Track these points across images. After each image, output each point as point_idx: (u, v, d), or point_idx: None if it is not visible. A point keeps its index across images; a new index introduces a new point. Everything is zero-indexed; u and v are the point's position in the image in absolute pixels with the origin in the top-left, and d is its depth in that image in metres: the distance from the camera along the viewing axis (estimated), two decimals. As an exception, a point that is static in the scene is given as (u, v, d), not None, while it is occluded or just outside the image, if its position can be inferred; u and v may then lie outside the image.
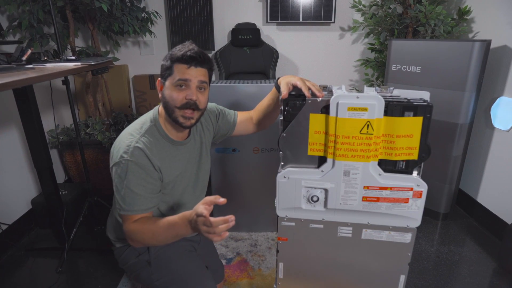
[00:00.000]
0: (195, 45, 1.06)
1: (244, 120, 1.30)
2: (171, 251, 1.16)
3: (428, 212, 2.24)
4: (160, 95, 1.08)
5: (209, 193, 1.92)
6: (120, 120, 2.55)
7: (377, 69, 2.56)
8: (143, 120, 1.09)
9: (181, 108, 1.03)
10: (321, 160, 0.94)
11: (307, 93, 0.91)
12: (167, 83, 1.04)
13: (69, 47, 2.35)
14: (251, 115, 1.31)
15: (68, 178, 2.60)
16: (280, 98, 0.96)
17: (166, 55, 1.05)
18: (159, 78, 1.08)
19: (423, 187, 0.90)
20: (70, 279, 1.74)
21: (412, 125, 0.85)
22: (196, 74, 1.03)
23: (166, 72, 1.04)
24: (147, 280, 1.15)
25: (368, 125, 0.85)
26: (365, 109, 0.84)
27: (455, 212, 2.33)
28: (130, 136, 1.04)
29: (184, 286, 1.12)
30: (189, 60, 1.01)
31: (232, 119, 1.29)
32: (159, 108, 1.11)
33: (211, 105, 1.28)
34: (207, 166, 1.26)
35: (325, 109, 0.88)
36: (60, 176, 2.54)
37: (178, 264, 1.15)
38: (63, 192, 2.16)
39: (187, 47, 1.03)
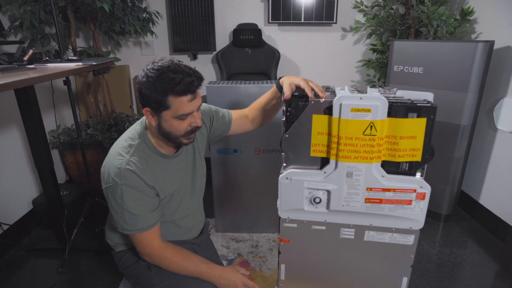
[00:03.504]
0: (179, 63, 0.94)
1: (239, 118, 1.28)
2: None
3: (430, 214, 2.23)
4: (153, 123, 0.98)
5: (209, 194, 1.93)
6: (121, 120, 2.55)
7: (379, 70, 2.55)
8: (131, 136, 1.05)
9: (186, 135, 1.01)
10: (324, 162, 0.94)
11: (310, 93, 0.91)
12: (164, 116, 0.95)
13: (70, 47, 2.35)
14: (246, 113, 1.29)
15: (69, 179, 2.60)
16: (282, 99, 0.96)
17: (149, 85, 0.91)
18: (147, 108, 0.95)
19: (427, 189, 0.90)
20: (71, 280, 1.73)
21: (416, 126, 0.85)
22: (197, 101, 0.97)
23: (159, 105, 0.93)
24: (146, 284, 1.15)
25: (371, 126, 0.85)
26: (369, 110, 0.83)
27: (457, 213, 2.32)
28: (119, 156, 1.00)
29: None
30: (192, 90, 0.93)
31: (227, 119, 1.26)
32: (146, 122, 1.06)
33: (203, 106, 1.23)
34: (203, 171, 1.24)
35: (328, 110, 0.88)
36: (61, 176, 2.53)
37: None
38: (64, 193, 2.16)
39: (180, 74, 0.90)
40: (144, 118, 1.09)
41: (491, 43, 1.88)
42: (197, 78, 0.94)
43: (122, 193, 0.97)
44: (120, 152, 1.01)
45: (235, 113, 1.29)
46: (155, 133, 1.03)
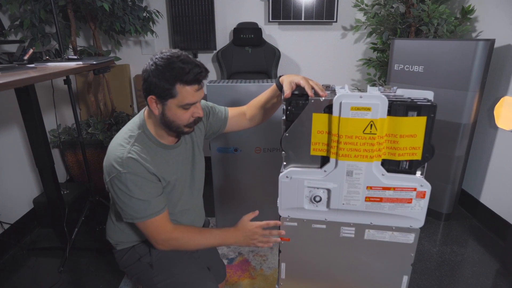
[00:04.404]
0: (187, 55, 0.97)
1: (236, 115, 1.28)
2: (173, 253, 1.15)
3: (430, 213, 2.23)
4: (156, 112, 1.00)
5: (210, 192, 1.93)
6: (122, 119, 2.55)
7: (379, 69, 2.55)
8: (130, 128, 1.06)
9: (189, 125, 1.03)
10: (324, 160, 0.94)
11: (310, 92, 0.91)
12: (169, 104, 0.97)
13: (70, 46, 2.35)
14: (244, 110, 1.29)
15: (69, 178, 2.61)
16: (282, 98, 0.96)
17: (157, 72, 0.93)
18: (153, 96, 0.97)
19: (427, 188, 0.90)
20: (72, 279, 1.74)
21: (416, 125, 0.85)
22: (201, 92, 1.00)
23: (166, 93, 0.95)
24: (148, 283, 1.15)
25: (371, 125, 0.85)
26: (369, 109, 0.83)
27: (457, 212, 2.32)
28: (120, 147, 1.00)
29: (186, 287, 1.12)
30: (200, 81, 0.97)
31: (223, 115, 1.27)
32: (145, 113, 1.07)
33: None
34: (201, 165, 1.25)
35: (328, 109, 0.88)
36: (61, 175, 2.54)
37: (179, 267, 1.14)
38: (65, 192, 2.16)
39: (189, 64, 0.93)
40: (142, 110, 1.09)
41: (492, 41, 1.88)
42: (205, 70, 0.98)
43: (126, 182, 0.97)
44: (120, 143, 1.02)
45: (232, 110, 1.29)
46: (156, 123, 1.05)
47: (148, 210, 1.01)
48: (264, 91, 1.22)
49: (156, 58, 0.96)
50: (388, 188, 0.91)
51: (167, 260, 1.14)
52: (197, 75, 0.95)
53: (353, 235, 1.00)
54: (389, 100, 0.84)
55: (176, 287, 1.12)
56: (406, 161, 0.89)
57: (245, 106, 1.30)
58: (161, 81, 0.94)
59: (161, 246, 1.06)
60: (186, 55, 0.97)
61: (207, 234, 1.09)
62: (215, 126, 1.27)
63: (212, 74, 2.92)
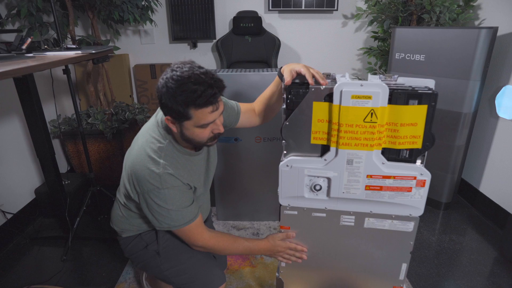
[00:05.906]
0: (200, 71, 0.90)
1: (246, 111, 1.27)
2: (180, 241, 1.17)
3: (430, 202, 2.24)
4: (175, 130, 0.98)
5: (211, 182, 1.93)
6: (122, 110, 2.54)
7: (380, 58, 2.53)
8: (156, 137, 1.03)
9: (209, 141, 1.02)
10: (324, 149, 0.94)
11: (310, 80, 0.90)
12: (186, 125, 0.95)
13: (69, 36, 2.32)
14: (253, 106, 1.28)
15: (70, 168, 2.61)
16: (283, 86, 0.95)
17: (169, 96, 0.89)
18: (168, 117, 0.95)
19: (427, 176, 0.90)
20: (75, 267, 1.76)
21: (417, 113, 0.85)
22: (219, 110, 0.97)
23: (180, 116, 0.92)
24: (156, 270, 1.16)
25: (372, 114, 0.84)
26: (369, 97, 0.83)
27: (457, 201, 2.33)
28: (152, 161, 0.98)
29: (193, 274, 1.14)
30: (213, 102, 0.92)
31: (235, 110, 1.25)
32: (165, 122, 1.02)
33: None
34: (215, 162, 1.26)
35: (329, 97, 0.87)
36: (62, 166, 2.55)
37: (187, 254, 1.16)
38: (66, 182, 2.17)
39: (201, 86, 0.88)
40: (161, 118, 1.07)
41: (495, 29, 1.86)
42: (219, 90, 0.92)
43: (165, 197, 0.99)
44: (150, 155, 1.00)
45: (243, 106, 1.27)
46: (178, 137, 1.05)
47: (184, 218, 1.03)
48: (268, 86, 1.21)
49: (167, 79, 0.90)
50: (388, 177, 0.91)
51: (174, 248, 1.16)
52: (210, 98, 0.90)
53: (353, 224, 1.01)
54: (390, 89, 0.83)
55: (184, 274, 1.14)
56: (406, 149, 0.89)
57: (253, 103, 1.29)
58: (173, 105, 0.90)
59: (198, 249, 1.11)
60: (198, 74, 0.90)
61: (239, 245, 1.13)
62: (227, 121, 1.24)
63: (212, 64, 2.90)
